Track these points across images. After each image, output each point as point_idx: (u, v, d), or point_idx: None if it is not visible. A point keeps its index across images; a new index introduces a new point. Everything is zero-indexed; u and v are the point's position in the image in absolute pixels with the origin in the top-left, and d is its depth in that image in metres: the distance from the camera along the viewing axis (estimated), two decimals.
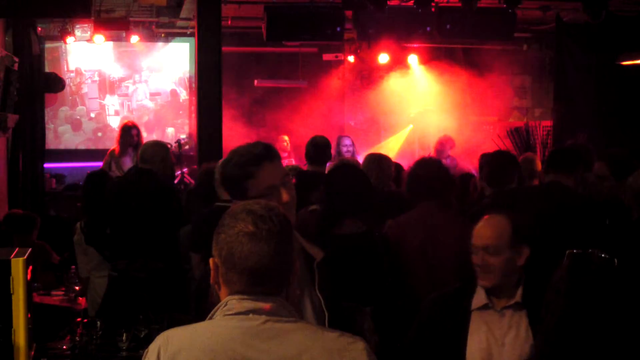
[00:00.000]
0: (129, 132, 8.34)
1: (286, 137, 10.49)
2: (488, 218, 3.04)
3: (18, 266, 2.89)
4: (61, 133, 11.18)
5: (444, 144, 9.46)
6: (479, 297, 3.00)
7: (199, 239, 4.63)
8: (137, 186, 5.39)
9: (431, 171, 4.25)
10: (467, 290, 3.04)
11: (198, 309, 2.32)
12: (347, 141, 9.10)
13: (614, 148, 5.32)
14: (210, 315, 1.92)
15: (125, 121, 8.97)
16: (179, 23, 10.44)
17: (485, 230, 2.99)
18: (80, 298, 5.53)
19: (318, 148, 6.18)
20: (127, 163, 8.08)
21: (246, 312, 1.87)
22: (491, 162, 4.88)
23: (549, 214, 4.16)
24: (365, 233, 3.86)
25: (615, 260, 2.39)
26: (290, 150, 10.45)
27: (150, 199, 5.31)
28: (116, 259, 5.22)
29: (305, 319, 2.41)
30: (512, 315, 2.94)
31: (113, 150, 8.49)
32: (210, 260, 1.95)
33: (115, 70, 11.25)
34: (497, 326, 2.94)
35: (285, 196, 2.49)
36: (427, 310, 3.10)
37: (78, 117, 11.23)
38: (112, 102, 11.31)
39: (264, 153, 2.53)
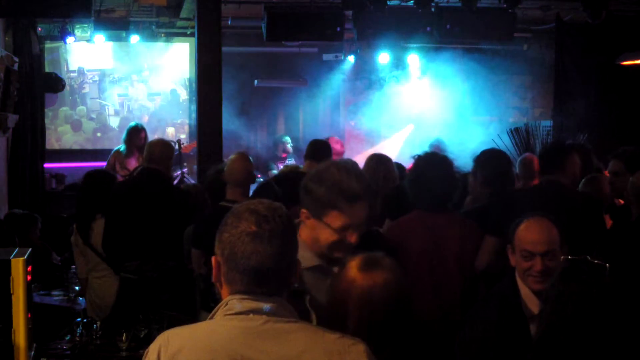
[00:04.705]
0: (137, 134, 8.35)
1: (289, 139, 10.47)
2: (535, 222, 2.99)
3: (18, 266, 2.89)
4: (61, 133, 11.16)
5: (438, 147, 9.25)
6: (533, 303, 2.93)
7: (202, 236, 4.64)
8: (147, 187, 5.36)
9: (436, 172, 4.12)
10: (512, 293, 2.98)
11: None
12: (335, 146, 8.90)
13: (628, 146, 5.32)
14: (211, 315, 1.92)
15: (134, 123, 8.95)
16: (179, 23, 10.43)
17: (541, 235, 2.95)
18: (80, 298, 5.53)
19: (314, 146, 6.24)
20: (132, 164, 8.10)
21: (247, 312, 1.87)
22: (490, 162, 4.82)
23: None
24: (365, 234, 3.83)
25: (607, 266, 2.35)
26: (291, 150, 10.43)
27: (161, 199, 5.29)
28: (120, 260, 5.18)
29: None
30: None
31: (118, 150, 8.49)
32: (213, 259, 1.95)
33: (115, 70, 11.24)
34: None
35: (353, 238, 2.58)
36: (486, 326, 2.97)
37: (78, 117, 11.20)
38: (112, 102, 11.29)
39: (360, 193, 2.57)
